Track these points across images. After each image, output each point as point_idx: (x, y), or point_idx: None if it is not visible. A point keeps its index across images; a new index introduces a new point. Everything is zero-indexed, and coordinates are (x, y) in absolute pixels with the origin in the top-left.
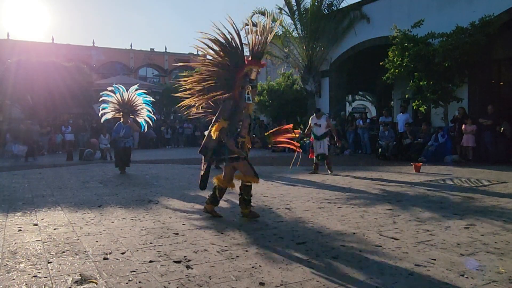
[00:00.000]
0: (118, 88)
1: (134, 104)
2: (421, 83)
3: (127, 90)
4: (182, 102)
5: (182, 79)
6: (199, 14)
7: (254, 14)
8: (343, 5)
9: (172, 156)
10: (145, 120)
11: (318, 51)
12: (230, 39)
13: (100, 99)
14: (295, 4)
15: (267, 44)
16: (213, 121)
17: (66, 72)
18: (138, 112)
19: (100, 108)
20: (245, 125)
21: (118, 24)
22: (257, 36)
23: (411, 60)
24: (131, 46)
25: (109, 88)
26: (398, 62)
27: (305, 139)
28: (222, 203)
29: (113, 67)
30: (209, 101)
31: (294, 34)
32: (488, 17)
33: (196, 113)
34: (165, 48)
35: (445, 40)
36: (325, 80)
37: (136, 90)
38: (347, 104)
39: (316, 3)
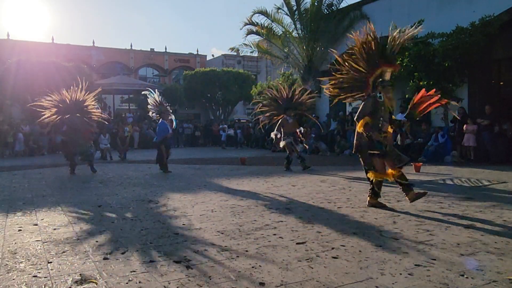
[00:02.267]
0: (152, 91)
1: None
2: (421, 83)
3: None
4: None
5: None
6: (199, 14)
7: (254, 13)
8: (343, 5)
9: (172, 156)
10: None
11: (318, 51)
12: (368, 46)
13: (150, 108)
14: (295, 4)
15: (399, 48)
16: (355, 119)
17: (66, 72)
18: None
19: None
20: (385, 120)
21: (118, 24)
22: (391, 41)
23: (411, 60)
24: (131, 46)
25: (145, 92)
26: (398, 62)
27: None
28: (223, 203)
29: (113, 67)
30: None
31: (294, 34)
32: (488, 17)
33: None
34: (165, 48)
35: (445, 40)
36: (325, 80)
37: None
38: (347, 104)
39: (316, 3)
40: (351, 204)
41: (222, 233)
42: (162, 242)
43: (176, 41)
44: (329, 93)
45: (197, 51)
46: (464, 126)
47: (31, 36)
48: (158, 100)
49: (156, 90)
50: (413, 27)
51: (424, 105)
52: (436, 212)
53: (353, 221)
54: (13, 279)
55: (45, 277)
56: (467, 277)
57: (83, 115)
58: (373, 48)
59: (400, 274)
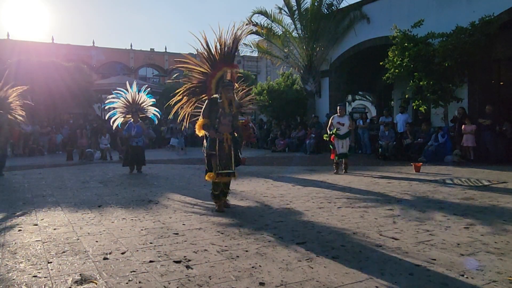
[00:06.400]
0: (119, 92)
1: (140, 102)
2: (421, 83)
3: (127, 90)
4: (175, 107)
5: (178, 91)
6: (199, 14)
7: (254, 13)
8: (343, 5)
9: (172, 156)
10: (153, 114)
11: (318, 51)
12: (211, 49)
13: (106, 108)
14: (295, 4)
15: (236, 47)
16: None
17: (66, 72)
18: (145, 109)
19: (107, 117)
20: (224, 123)
21: (118, 24)
22: (223, 41)
23: (411, 60)
24: (131, 46)
25: (110, 96)
26: (398, 62)
27: (325, 136)
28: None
29: (113, 67)
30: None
31: (294, 34)
32: (488, 17)
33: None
34: (165, 48)
35: (445, 40)
36: (325, 80)
37: (135, 86)
38: (347, 104)
39: (316, 3)
40: (351, 204)
41: (222, 233)
42: (162, 242)
43: (176, 41)
44: (178, 98)
45: (197, 51)
46: (463, 127)
47: (31, 36)
48: (129, 99)
49: (135, 82)
50: (241, 27)
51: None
52: (436, 212)
53: (353, 221)
54: (13, 279)
55: (45, 277)
56: (467, 277)
57: (6, 113)
58: (214, 50)
59: (400, 274)
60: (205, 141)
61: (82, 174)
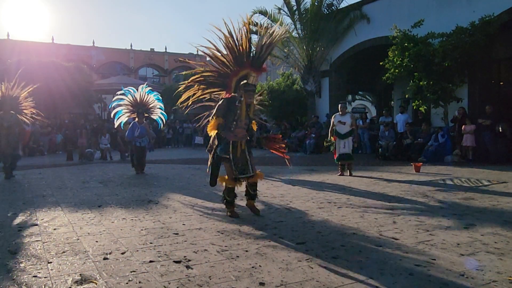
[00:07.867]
0: (129, 90)
1: (147, 103)
2: (421, 83)
3: (137, 89)
4: (183, 96)
5: (191, 71)
6: (199, 14)
7: (254, 13)
8: (343, 5)
9: (172, 156)
10: (159, 117)
11: (318, 51)
12: (238, 41)
13: (113, 105)
14: (295, 4)
15: (268, 54)
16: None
17: (66, 72)
18: (152, 110)
19: (113, 114)
20: (240, 125)
21: (118, 24)
22: (260, 45)
23: (411, 60)
24: (131, 46)
25: (119, 92)
26: (398, 62)
27: (325, 140)
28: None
29: (113, 67)
30: (211, 97)
31: (294, 34)
32: (488, 17)
33: (194, 107)
34: (165, 48)
35: (445, 40)
36: (325, 80)
37: (146, 88)
38: (347, 104)
39: (316, 3)
40: (351, 204)
41: (222, 233)
42: (162, 242)
43: (176, 41)
44: (188, 84)
45: (197, 51)
46: (463, 127)
47: (31, 36)
48: (137, 98)
49: (146, 83)
50: (278, 29)
51: (272, 145)
52: (436, 212)
53: (353, 221)
54: (13, 279)
55: (45, 277)
56: (467, 277)
57: (17, 113)
58: (243, 47)
59: (400, 274)
60: (215, 142)
61: (82, 174)
